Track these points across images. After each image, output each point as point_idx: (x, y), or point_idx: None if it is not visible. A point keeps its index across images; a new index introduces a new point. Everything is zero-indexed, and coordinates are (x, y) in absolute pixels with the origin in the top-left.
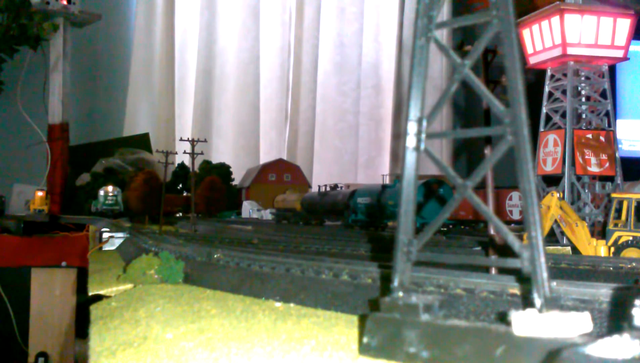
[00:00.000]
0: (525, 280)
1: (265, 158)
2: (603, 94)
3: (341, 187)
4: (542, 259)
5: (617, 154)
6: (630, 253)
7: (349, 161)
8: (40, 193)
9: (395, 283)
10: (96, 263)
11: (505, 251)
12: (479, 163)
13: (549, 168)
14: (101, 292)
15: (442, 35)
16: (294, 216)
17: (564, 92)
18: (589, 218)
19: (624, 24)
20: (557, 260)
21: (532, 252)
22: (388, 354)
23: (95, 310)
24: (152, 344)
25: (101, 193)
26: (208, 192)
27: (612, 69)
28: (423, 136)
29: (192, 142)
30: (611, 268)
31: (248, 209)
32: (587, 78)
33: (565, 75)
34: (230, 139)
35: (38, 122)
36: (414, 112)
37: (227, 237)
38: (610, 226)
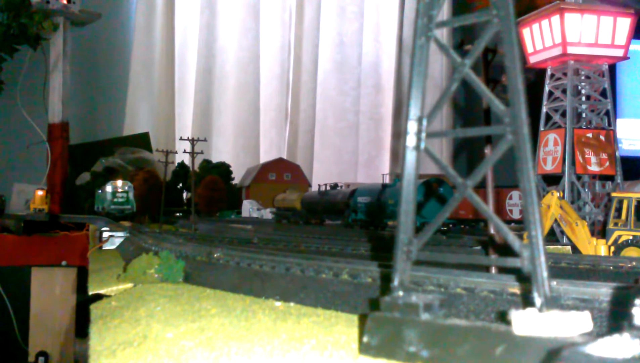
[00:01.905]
0: (525, 279)
1: (265, 157)
2: (603, 93)
3: (341, 186)
4: (542, 258)
5: (617, 154)
6: (630, 252)
7: (349, 160)
8: (40, 193)
9: (396, 282)
10: (96, 262)
11: (505, 250)
12: (479, 162)
13: (549, 167)
14: (101, 291)
15: (442, 34)
16: (294, 215)
17: (564, 91)
18: (589, 217)
19: (624, 23)
20: (557, 259)
21: (532, 251)
22: (388, 353)
23: (95, 309)
24: (152, 343)
25: (108, 189)
26: (208, 191)
27: (612, 68)
28: (423, 135)
29: (192, 141)
30: (611, 268)
31: (248, 208)
32: (587, 77)
33: (565, 74)
34: (230, 138)
35: (38, 121)
36: (414, 111)
37: (227, 236)
38: (610, 226)
